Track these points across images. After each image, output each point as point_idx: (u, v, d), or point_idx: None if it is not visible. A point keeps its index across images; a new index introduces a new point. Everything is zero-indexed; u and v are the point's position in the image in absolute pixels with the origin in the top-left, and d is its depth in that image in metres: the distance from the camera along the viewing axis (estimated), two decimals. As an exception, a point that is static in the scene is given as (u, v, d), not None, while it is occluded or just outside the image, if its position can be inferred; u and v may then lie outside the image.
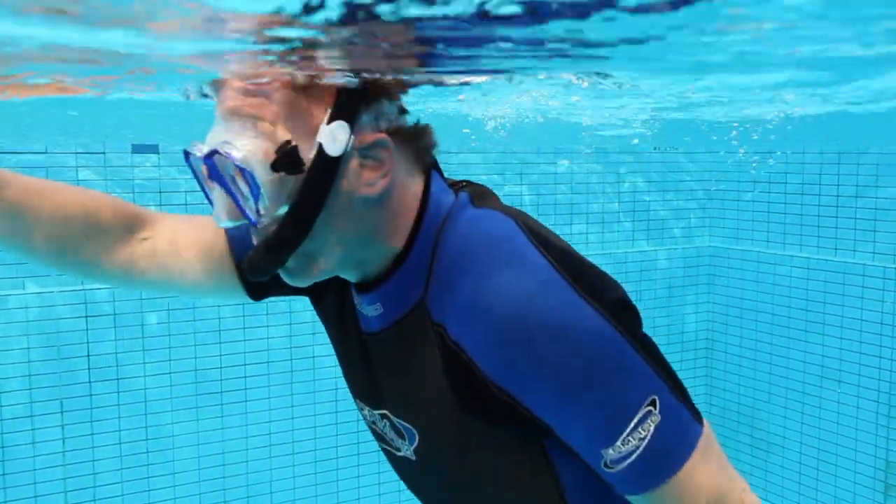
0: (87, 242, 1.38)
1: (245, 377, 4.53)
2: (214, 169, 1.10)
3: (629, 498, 1.16)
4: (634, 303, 1.15)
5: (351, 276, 1.24)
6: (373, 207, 1.14)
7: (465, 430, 1.17)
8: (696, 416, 1.15)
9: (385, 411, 1.28)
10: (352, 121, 1.09)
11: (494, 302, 1.04)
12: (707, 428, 1.16)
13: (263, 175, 1.07)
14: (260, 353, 4.58)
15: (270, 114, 1.08)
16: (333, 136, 1.08)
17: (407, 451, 1.28)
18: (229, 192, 1.10)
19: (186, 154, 1.14)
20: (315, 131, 1.08)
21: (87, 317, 4.30)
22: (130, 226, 1.42)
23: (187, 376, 4.48)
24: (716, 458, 1.16)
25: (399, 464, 1.35)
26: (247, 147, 1.07)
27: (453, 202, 1.20)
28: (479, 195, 1.23)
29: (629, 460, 1.09)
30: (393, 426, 1.28)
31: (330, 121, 1.08)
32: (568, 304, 1.04)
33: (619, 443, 1.08)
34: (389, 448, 1.34)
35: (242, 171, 1.07)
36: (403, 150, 1.17)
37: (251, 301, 1.45)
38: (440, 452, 1.24)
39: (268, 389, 4.59)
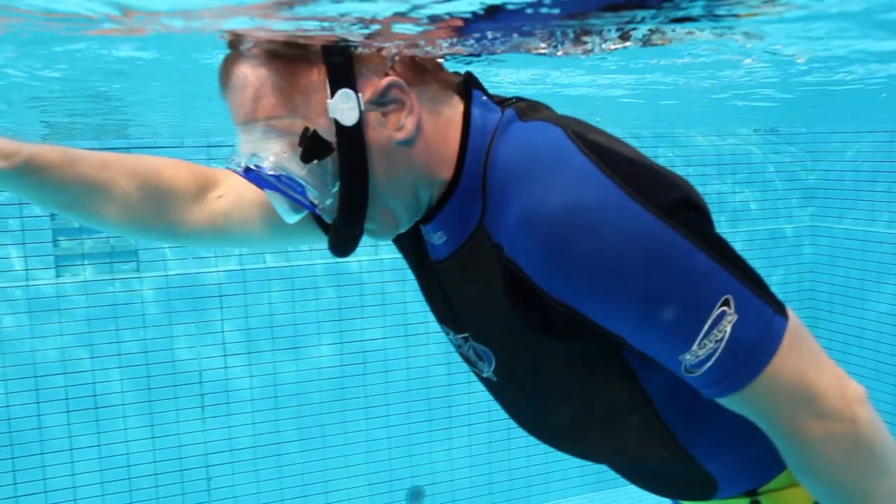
0: (166, 207, 1.42)
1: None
2: (258, 180, 1.12)
3: (719, 401, 1.12)
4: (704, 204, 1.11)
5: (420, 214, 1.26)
6: (412, 147, 1.14)
7: (537, 349, 1.17)
8: (779, 310, 1.09)
9: (466, 334, 1.30)
10: (351, 83, 1.09)
11: (541, 215, 1.03)
12: (794, 321, 1.10)
13: (299, 170, 1.10)
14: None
15: (277, 109, 1.09)
16: (343, 107, 1.08)
17: (488, 372, 1.30)
18: (280, 193, 1.12)
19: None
20: (324, 106, 1.09)
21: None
22: (204, 186, 1.46)
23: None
24: (807, 351, 1.10)
25: (486, 384, 1.38)
26: (272, 151, 1.09)
27: (499, 120, 1.18)
28: (528, 108, 1.20)
29: (709, 364, 1.05)
30: (474, 349, 1.30)
31: (332, 93, 1.08)
32: (618, 207, 1.01)
33: (695, 347, 1.04)
34: (475, 370, 1.36)
35: (276, 176, 1.10)
36: (420, 80, 1.16)
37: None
38: (517, 373, 1.26)
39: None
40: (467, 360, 1.37)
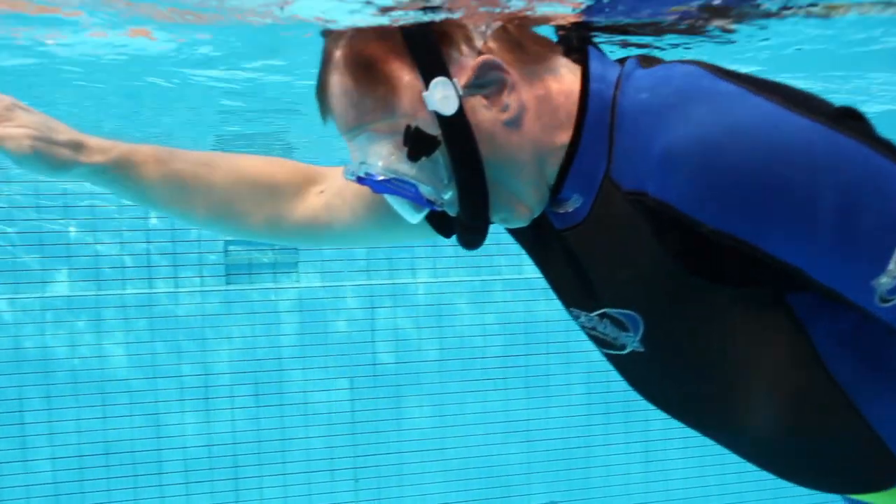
0: (266, 202, 1.39)
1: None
2: (374, 185, 1.09)
3: None
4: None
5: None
6: (522, 124, 1.08)
7: (693, 300, 1.07)
8: None
9: (602, 310, 1.20)
10: (444, 70, 1.03)
11: (691, 142, 0.93)
12: None
13: (409, 170, 1.06)
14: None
15: (375, 112, 1.06)
16: (440, 97, 1.02)
17: (633, 343, 1.19)
18: (398, 195, 1.09)
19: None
20: (421, 100, 1.04)
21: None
22: (304, 182, 1.43)
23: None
24: None
25: (627, 365, 1.26)
26: (380, 156, 1.06)
27: (620, 71, 1.10)
28: (649, 58, 1.13)
29: None
30: (614, 322, 1.19)
31: (426, 84, 1.02)
32: (780, 120, 0.92)
33: (891, 266, 0.92)
34: (613, 351, 1.25)
35: (388, 181, 1.07)
36: (518, 52, 1.08)
37: (443, 238, 1.39)
38: (670, 333, 1.14)
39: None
40: (602, 341, 1.25)
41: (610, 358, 1.29)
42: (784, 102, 0.94)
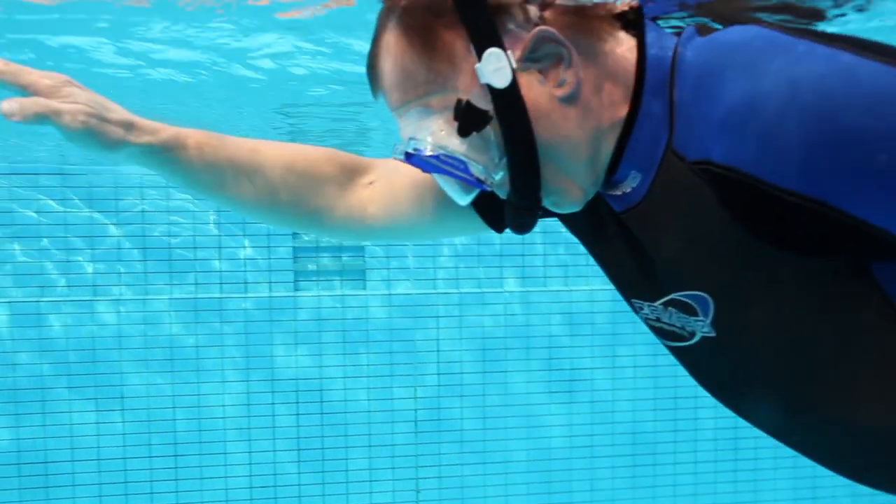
0: (316, 192, 1.36)
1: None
2: (422, 163, 1.06)
3: None
4: None
5: None
6: (579, 100, 1.03)
7: (770, 274, 1.00)
8: None
9: (667, 297, 1.14)
10: (498, 41, 0.99)
11: (757, 98, 0.87)
12: None
13: (459, 146, 1.03)
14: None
15: (426, 86, 1.03)
16: (493, 69, 0.98)
17: (703, 328, 1.12)
18: (447, 175, 1.06)
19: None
20: (473, 73, 1.00)
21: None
22: (353, 172, 1.40)
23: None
24: None
25: (695, 355, 1.19)
26: (429, 130, 1.03)
27: (677, 42, 1.04)
28: (706, 27, 1.07)
29: None
30: (682, 307, 1.13)
31: (479, 56, 0.99)
32: (854, 68, 0.85)
33: None
34: (680, 342, 1.18)
35: (437, 156, 1.03)
36: (576, 24, 1.03)
37: (495, 232, 1.36)
38: (745, 311, 1.07)
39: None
40: (667, 333, 1.19)
41: (675, 351, 1.22)
42: (856, 50, 0.87)
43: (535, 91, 1.02)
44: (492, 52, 0.99)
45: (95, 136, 1.17)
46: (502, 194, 1.10)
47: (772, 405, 1.18)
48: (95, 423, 4.44)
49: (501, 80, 0.99)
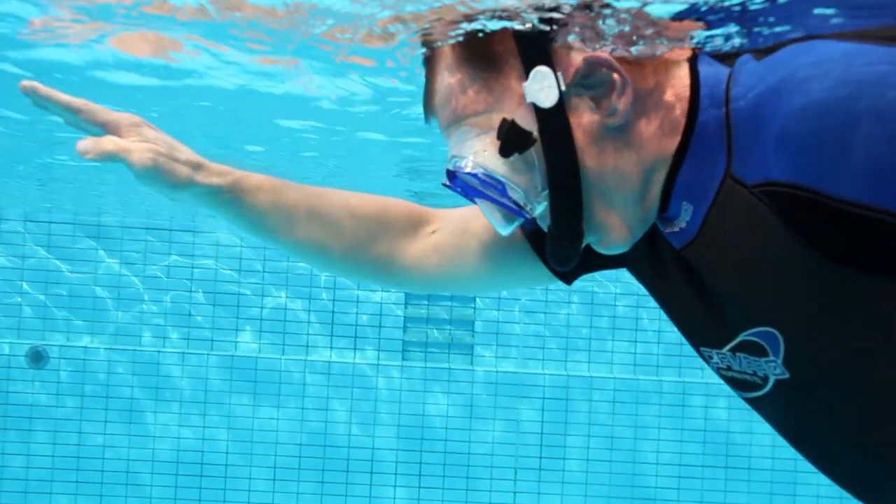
0: (379, 239, 1.35)
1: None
2: (464, 187, 1.04)
3: None
4: None
5: None
6: (629, 131, 0.99)
7: (844, 299, 0.92)
8: None
9: (735, 340, 1.06)
10: (547, 60, 0.96)
11: (816, 107, 0.82)
12: None
13: (499, 167, 0.99)
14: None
15: (474, 106, 1.01)
16: (539, 87, 0.95)
17: (776, 370, 1.03)
18: (488, 200, 1.03)
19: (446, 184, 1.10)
20: (521, 94, 0.97)
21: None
22: (418, 221, 1.38)
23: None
24: None
25: (773, 403, 1.09)
26: (472, 149, 1.01)
27: (731, 69, 1.00)
28: (762, 51, 1.02)
29: None
30: (751, 349, 1.04)
31: (527, 74, 0.96)
32: None
33: None
34: (755, 392, 1.09)
35: (476, 175, 1.01)
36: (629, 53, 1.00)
37: (564, 284, 1.32)
38: (820, 345, 0.98)
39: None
40: (741, 382, 1.11)
41: (753, 403, 1.12)
42: None
43: (586, 118, 0.98)
44: (539, 71, 0.96)
45: (163, 174, 1.18)
46: (544, 226, 1.06)
47: (858, 457, 1.06)
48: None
49: (547, 100, 0.96)
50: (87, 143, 1.10)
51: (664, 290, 1.20)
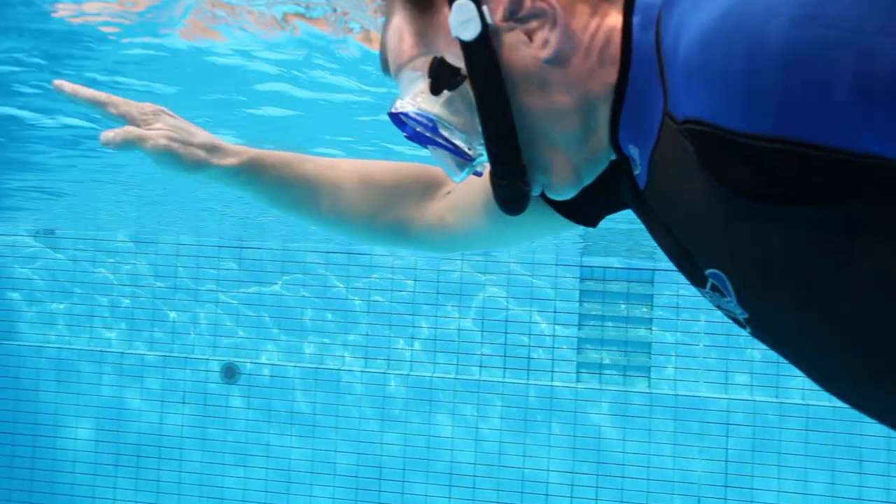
0: (394, 204, 1.38)
1: None
2: (410, 132, 1.03)
3: None
4: None
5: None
6: (566, 62, 0.95)
7: (768, 234, 0.84)
8: None
9: (708, 280, 1.00)
10: None
11: (706, 33, 0.75)
12: None
13: (431, 106, 0.98)
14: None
15: (413, 49, 1.00)
16: (461, 20, 0.93)
17: (738, 310, 0.97)
18: (434, 145, 1.02)
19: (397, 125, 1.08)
20: (448, 31, 0.95)
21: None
22: (430, 184, 1.39)
23: None
24: None
25: (759, 337, 1.03)
26: (411, 92, 1.00)
27: None
28: None
29: None
30: (717, 289, 0.98)
31: (450, 7, 0.94)
32: None
33: None
34: (745, 328, 1.03)
35: (408, 115, 1.00)
36: None
37: (590, 227, 1.27)
38: (760, 284, 0.91)
39: None
40: (734, 320, 1.04)
41: (756, 337, 1.05)
42: None
43: (519, 52, 0.95)
44: (460, 3, 0.94)
45: (177, 157, 1.26)
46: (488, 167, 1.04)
47: (843, 375, 0.99)
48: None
49: (469, 33, 0.94)
50: (108, 134, 1.20)
51: (655, 235, 1.14)
